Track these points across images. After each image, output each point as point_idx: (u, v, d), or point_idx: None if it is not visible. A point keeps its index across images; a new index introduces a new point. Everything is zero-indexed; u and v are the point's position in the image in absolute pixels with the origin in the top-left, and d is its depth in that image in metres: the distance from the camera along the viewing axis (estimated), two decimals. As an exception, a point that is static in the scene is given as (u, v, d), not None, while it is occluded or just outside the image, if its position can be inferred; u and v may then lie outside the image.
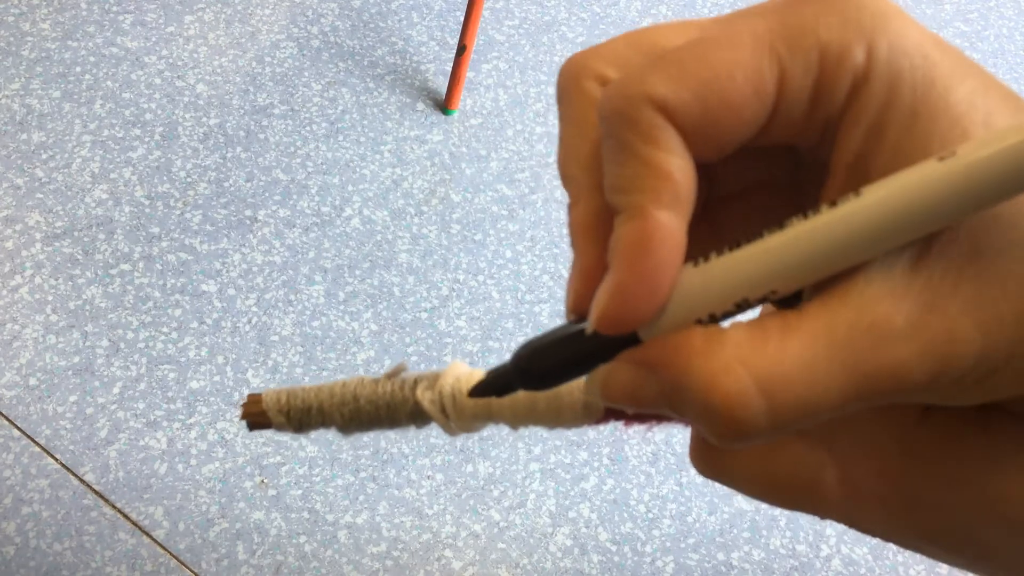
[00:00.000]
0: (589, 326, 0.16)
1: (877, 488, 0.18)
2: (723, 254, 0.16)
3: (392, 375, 0.25)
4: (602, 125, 0.16)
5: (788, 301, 0.16)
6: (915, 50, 0.15)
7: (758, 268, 0.15)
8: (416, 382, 0.24)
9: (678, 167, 0.15)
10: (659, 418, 0.22)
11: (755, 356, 0.15)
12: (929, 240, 0.15)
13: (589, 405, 0.23)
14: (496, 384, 0.20)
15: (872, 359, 0.14)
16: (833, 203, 0.15)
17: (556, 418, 0.23)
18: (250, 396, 0.25)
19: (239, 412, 0.26)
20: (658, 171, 0.15)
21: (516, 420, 0.23)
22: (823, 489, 0.19)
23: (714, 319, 0.16)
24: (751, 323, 0.15)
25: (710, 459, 0.21)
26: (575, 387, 0.22)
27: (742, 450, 0.20)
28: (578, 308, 0.17)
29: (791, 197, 0.19)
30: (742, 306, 0.16)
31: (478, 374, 0.23)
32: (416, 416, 0.24)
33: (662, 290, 0.15)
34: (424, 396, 0.24)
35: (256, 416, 0.25)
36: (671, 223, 0.15)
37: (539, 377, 0.18)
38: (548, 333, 0.18)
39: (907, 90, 0.15)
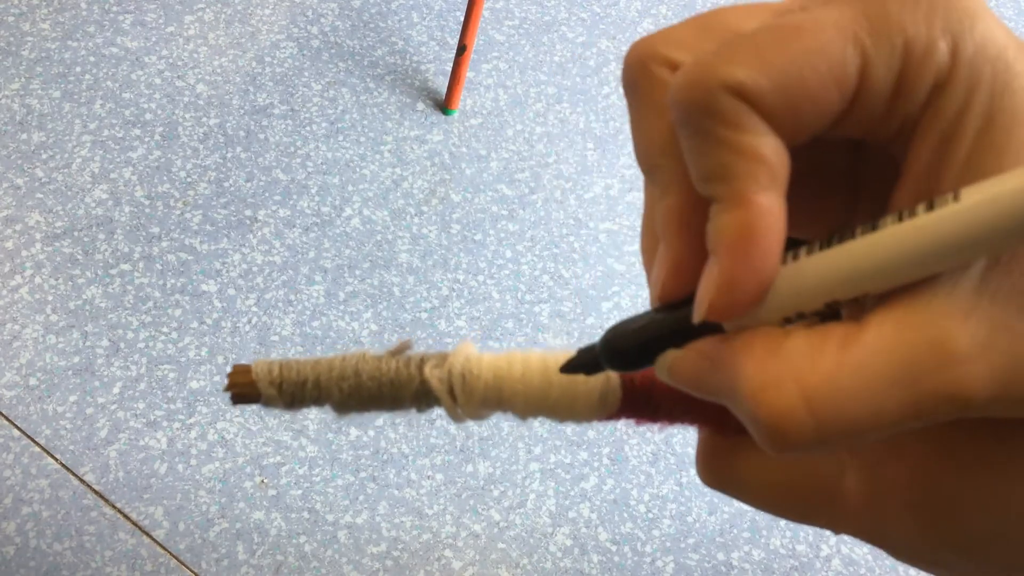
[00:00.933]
0: (697, 315, 0.16)
1: (907, 494, 0.17)
2: (814, 252, 0.16)
3: (397, 352, 0.23)
4: (676, 114, 0.16)
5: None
6: (999, 55, 0.15)
7: (851, 269, 0.15)
8: (423, 360, 0.22)
9: (771, 147, 0.15)
10: (670, 419, 0.22)
11: (810, 371, 0.14)
12: (997, 256, 0.15)
13: (605, 398, 0.22)
14: (585, 362, 0.20)
15: (934, 379, 0.14)
16: (930, 205, 0.14)
17: (569, 410, 0.22)
18: (237, 367, 0.22)
19: (225, 384, 0.23)
20: (751, 155, 0.15)
21: (527, 409, 0.22)
22: (842, 498, 0.18)
23: (802, 316, 0.16)
24: (813, 331, 0.15)
25: (717, 468, 0.20)
26: (591, 379, 0.22)
27: (752, 459, 0.20)
28: (666, 297, 0.17)
29: (848, 186, 0.19)
30: (832, 306, 0.16)
31: (488, 357, 0.22)
32: (421, 397, 0.22)
33: (769, 278, 0.15)
34: (433, 375, 0.22)
35: (244, 388, 0.22)
36: (773, 206, 0.15)
37: (627, 359, 0.18)
38: (636, 318, 0.18)
39: (985, 96, 0.15)
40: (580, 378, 0.21)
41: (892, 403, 0.14)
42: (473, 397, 0.22)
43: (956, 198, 0.14)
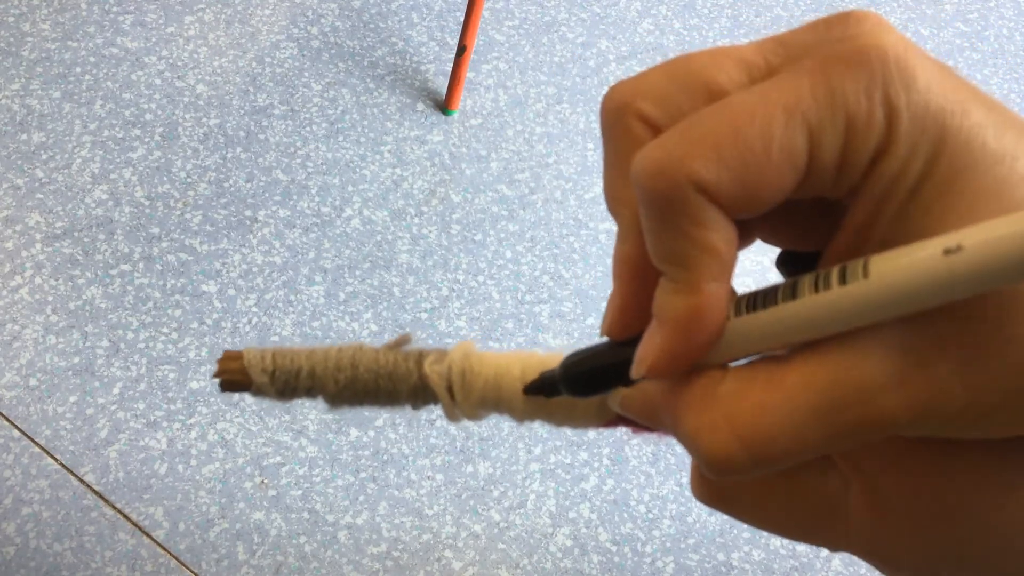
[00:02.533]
0: (636, 371, 0.18)
1: (913, 510, 0.17)
2: (741, 315, 0.17)
3: (395, 346, 0.22)
4: (641, 197, 0.17)
5: None
6: (935, 117, 0.16)
7: (771, 330, 0.17)
8: (422, 355, 0.22)
9: (724, 241, 0.17)
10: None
11: (740, 412, 0.16)
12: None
13: (603, 407, 0.22)
14: (545, 385, 0.21)
15: (853, 411, 0.15)
16: (843, 278, 0.16)
17: (568, 415, 0.22)
18: (228, 352, 0.22)
19: (215, 370, 0.21)
20: (707, 248, 0.16)
21: (526, 412, 0.22)
22: (844, 514, 0.18)
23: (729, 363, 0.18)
24: (742, 374, 0.17)
25: (712, 487, 0.21)
26: None
27: (749, 480, 0.20)
28: (611, 332, 0.20)
29: (831, 207, 0.20)
30: (755, 356, 0.18)
31: (488, 356, 0.22)
32: (418, 393, 0.22)
33: (705, 352, 0.17)
34: (432, 370, 0.22)
35: (234, 375, 0.21)
36: (719, 294, 0.17)
37: (581, 389, 0.20)
38: (589, 349, 0.20)
39: (919, 162, 0.16)
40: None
41: (815, 434, 0.16)
42: (471, 395, 0.22)
43: (866, 273, 0.15)
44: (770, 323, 0.17)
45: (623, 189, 0.19)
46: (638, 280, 0.19)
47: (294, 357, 0.22)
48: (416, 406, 0.22)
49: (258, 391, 0.22)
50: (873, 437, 0.16)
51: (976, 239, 0.14)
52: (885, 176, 0.16)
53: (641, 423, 0.19)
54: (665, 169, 0.16)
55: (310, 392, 0.22)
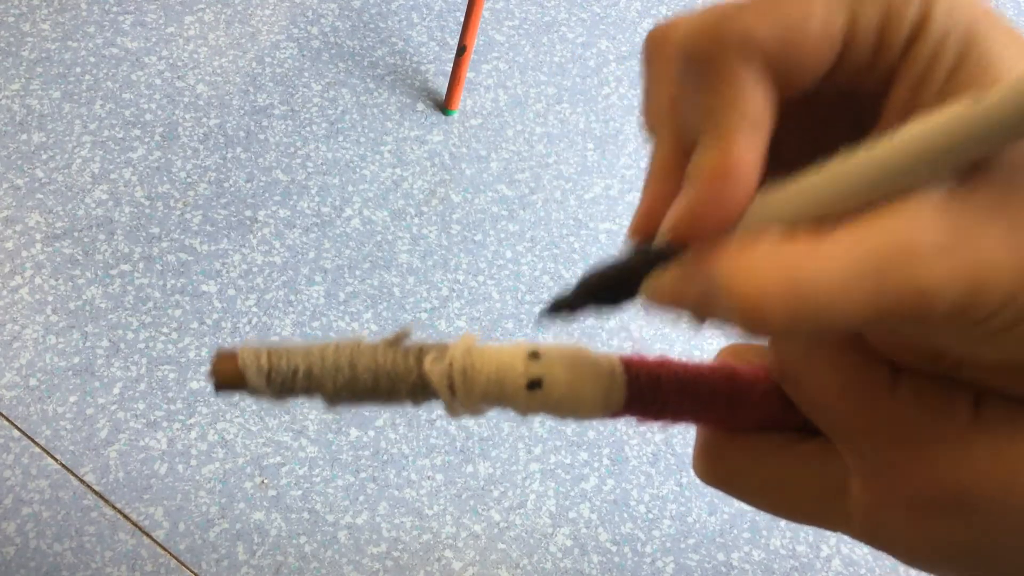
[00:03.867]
0: (659, 237, 0.18)
1: (915, 496, 0.17)
2: (775, 186, 0.17)
3: (394, 342, 0.22)
4: (681, 61, 0.17)
5: None
6: (967, 13, 0.16)
7: (806, 200, 0.16)
8: (422, 351, 0.21)
9: (761, 98, 0.17)
10: (675, 417, 0.22)
11: (783, 252, 0.16)
12: (970, 171, 0.16)
13: (609, 395, 0.21)
14: (564, 304, 0.21)
15: (898, 274, 0.15)
16: (877, 140, 0.16)
17: (573, 407, 0.21)
18: (221, 351, 0.21)
19: (209, 370, 0.22)
20: (742, 101, 0.16)
21: (529, 408, 0.21)
22: (845, 500, 0.18)
23: None
24: (785, 232, 0.16)
25: (716, 465, 0.21)
26: (595, 375, 0.21)
27: (754, 457, 0.20)
28: (640, 230, 0.19)
29: (854, 135, 0.20)
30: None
31: (490, 349, 0.21)
32: (418, 391, 0.21)
33: (735, 211, 0.17)
34: (433, 369, 0.21)
35: (228, 375, 0.21)
36: (753, 151, 0.17)
37: (603, 295, 0.20)
38: (609, 259, 0.20)
39: (954, 44, 0.16)
40: (584, 375, 0.21)
41: (859, 294, 0.15)
42: (473, 393, 0.21)
43: (895, 132, 0.16)
44: (806, 188, 0.16)
45: (659, 103, 0.19)
46: (670, 180, 0.19)
47: (290, 357, 0.21)
48: (417, 403, 0.22)
49: (254, 392, 0.21)
50: (917, 319, 0.15)
51: (1007, 87, 0.14)
52: (921, 58, 0.16)
53: (674, 309, 0.18)
54: (707, 27, 0.16)
55: (308, 392, 0.21)
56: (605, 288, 0.20)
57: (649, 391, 0.21)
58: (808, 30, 0.16)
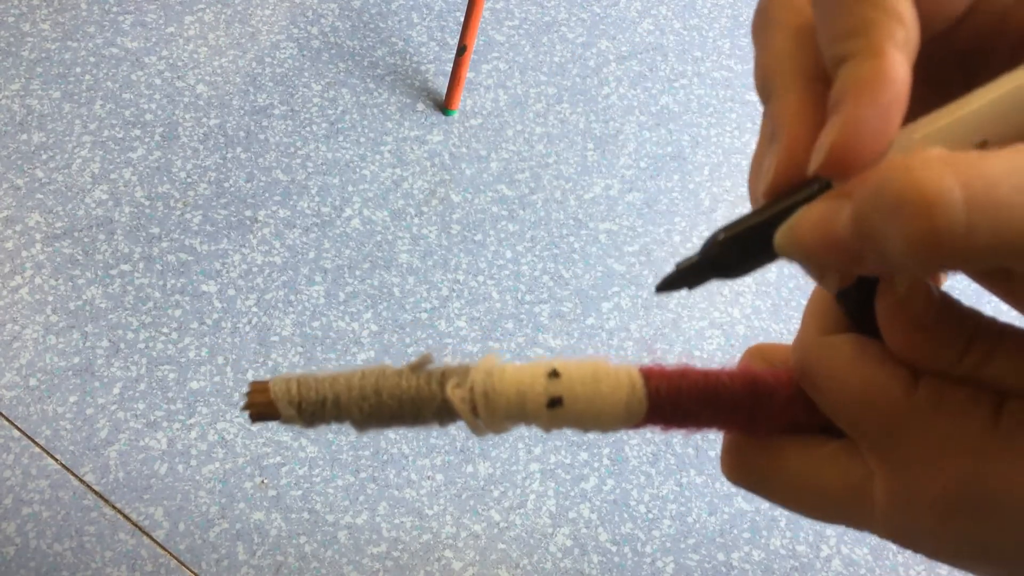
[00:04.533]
0: (814, 163, 0.16)
1: (939, 499, 0.17)
2: (917, 120, 0.16)
3: (417, 367, 0.22)
4: None
5: None
6: None
7: (972, 119, 0.15)
8: (444, 376, 0.22)
9: (909, 11, 0.15)
10: (698, 425, 0.22)
11: (958, 158, 0.14)
12: None
13: (630, 407, 0.21)
14: (687, 277, 0.19)
15: None
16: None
17: (595, 421, 0.21)
18: (254, 384, 0.22)
19: (243, 402, 0.22)
20: (892, 12, 0.15)
21: (552, 424, 0.22)
22: (870, 500, 0.18)
23: None
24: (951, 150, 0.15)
25: (745, 466, 0.20)
26: (615, 389, 0.21)
27: (782, 459, 0.20)
28: (776, 186, 0.17)
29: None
30: None
31: (510, 369, 0.22)
32: (443, 413, 0.22)
33: (893, 130, 0.15)
34: (455, 394, 0.21)
35: (262, 407, 0.22)
36: (905, 64, 0.15)
37: (733, 263, 0.18)
38: (736, 220, 0.18)
39: None
40: (604, 390, 0.21)
41: None
42: (496, 415, 0.21)
43: None
44: (965, 109, 0.15)
45: (782, 51, 0.18)
46: (807, 122, 0.17)
47: (319, 387, 0.22)
48: (442, 424, 0.22)
49: (286, 421, 0.22)
50: None
51: None
52: None
53: (820, 251, 0.16)
54: None
55: (337, 419, 0.22)
56: (739, 249, 0.18)
57: (670, 402, 0.21)
58: None
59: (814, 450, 0.20)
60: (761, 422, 0.21)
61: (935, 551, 0.18)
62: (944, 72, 0.19)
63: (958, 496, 0.17)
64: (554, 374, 0.21)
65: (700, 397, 0.21)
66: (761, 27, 0.19)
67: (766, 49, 0.18)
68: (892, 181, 0.14)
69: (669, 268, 1.05)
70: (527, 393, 0.21)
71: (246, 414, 0.23)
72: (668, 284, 0.20)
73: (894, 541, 0.19)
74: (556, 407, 0.21)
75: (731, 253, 0.18)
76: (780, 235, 0.17)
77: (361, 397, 0.22)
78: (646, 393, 0.21)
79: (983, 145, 0.15)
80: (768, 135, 0.18)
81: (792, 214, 0.17)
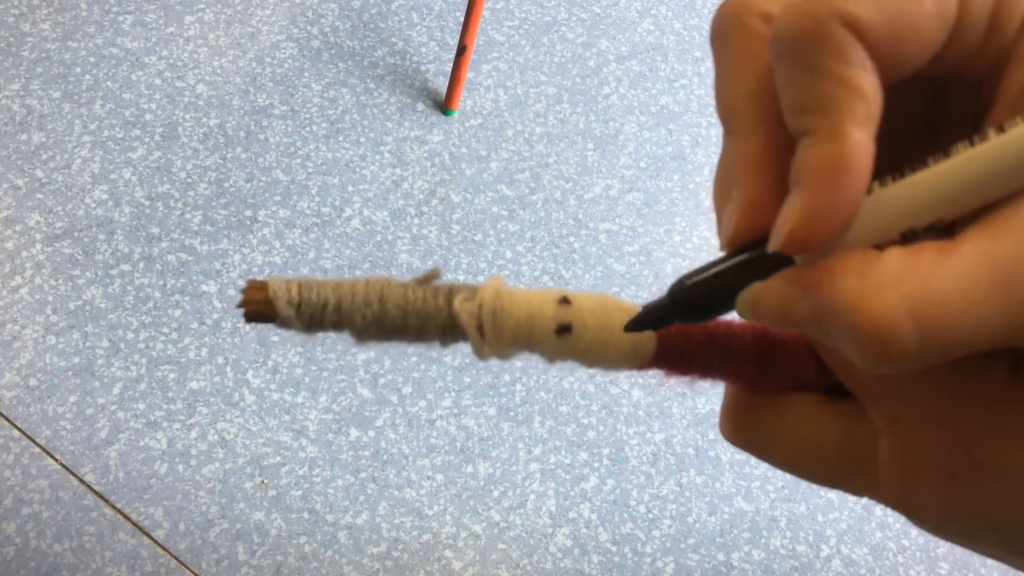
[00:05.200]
0: (774, 243, 0.16)
1: (947, 461, 0.17)
2: (887, 184, 0.16)
3: (424, 281, 0.21)
4: (780, 47, 0.16)
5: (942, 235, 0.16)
6: None
7: (925, 196, 0.15)
8: (452, 292, 0.21)
9: (871, 84, 0.15)
10: (703, 373, 0.21)
11: (909, 277, 0.14)
12: None
13: (637, 347, 0.21)
14: (652, 319, 0.20)
15: None
16: (1001, 128, 0.15)
17: (600, 356, 0.21)
18: (252, 282, 0.21)
19: (239, 300, 0.21)
20: (853, 88, 0.15)
21: (557, 352, 0.21)
22: (873, 464, 0.18)
23: (878, 248, 0.16)
24: (906, 248, 0.15)
25: (745, 425, 0.20)
26: (625, 320, 0.21)
27: (784, 418, 0.20)
28: (737, 240, 0.17)
29: (926, 136, 0.19)
30: (908, 236, 0.16)
31: (520, 293, 0.21)
32: (447, 331, 0.21)
33: (853, 211, 0.15)
34: (463, 308, 0.21)
35: (259, 305, 0.20)
36: (866, 142, 0.15)
37: (698, 310, 0.18)
38: (702, 267, 0.18)
39: None
40: (614, 323, 0.21)
41: (990, 312, 0.14)
42: (503, 335, 0.21)
43: (1015, 122, 0.14)
44: (924, 185, 0.15)
45: (743, 84, 0.17)
46: (766, 175, 0.17)
47: (320, 290, 0.21)
48: (444, 343, 0.22)
49: (283, 324, 0.21)
50: None
51: None
52: None
53: (777, 325, 0.17)
54: (813, 9, 0.15)
55: (336, 326, 0.21)
56: (700, 300, 0.18)
57: (679, 344, 0.21)
58: (921, 8, 0.15)
59: (819, 409, 0.20)
60: (768, 375, 0.21)
61: (937, 520, 0.18)
62: (942, 103, 0.19)
63: (968, 459, 0.17)
64: (564, 301, 0.21)
65: (709, 343, 0.21)
66: (721, 46, 0.18)
67: (725, 78, 0.18)
68: (845, 311, 0.15)
69: (669, 268, 1.05)
70: (536, 317, 0.21)
71: (241, 312, 0.21)
72: (635, 324, 0.20)
73: (896, 508, 0.18)
74: (565, 334, 0.21)
75: (696, 300, 0.18)
76: (741, 304, 0.17)
77: (364, 303, 0.21)
78: (655, 332, 0.21)
79: (909, 234, 0.15)
80: (727, 171, 0.18)
81: (753, 267, 0.17)
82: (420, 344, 0.22)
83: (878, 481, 0.18)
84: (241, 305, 0.21)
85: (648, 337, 0.21)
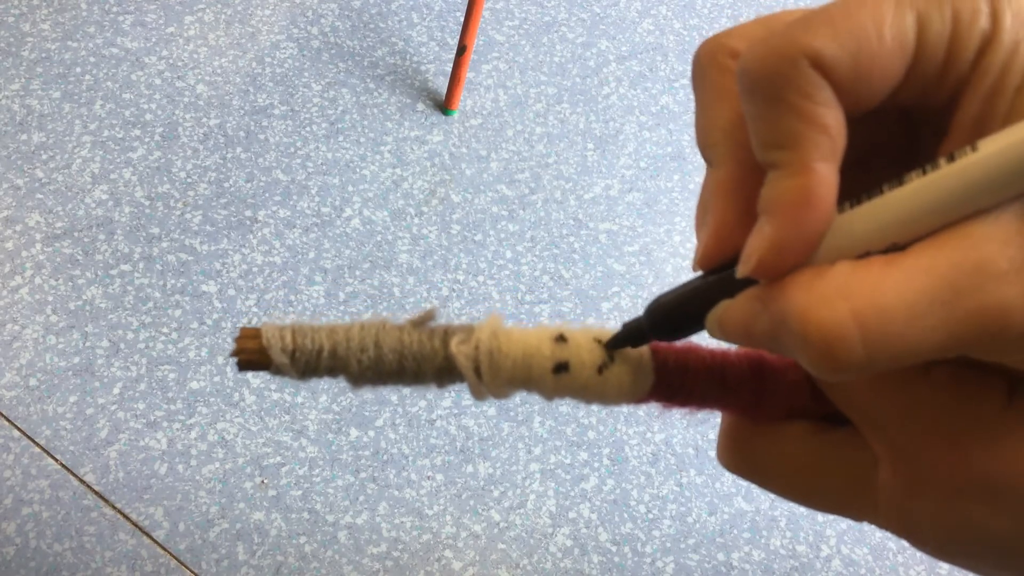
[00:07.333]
0: (742, 270, 0.17)
1: (947, 485, 0.17)
2: (845, 210, 0.16)
3: (419, 322, 0.21)
4: (747, 84, 0.16)
5: None
6: None
7: (879, 221, 0.16)
8: (448, 333, 0.21)
9: (835, 120, 0.16)
10: (701, 404, 0.21)
11: (856, 287, 0.15)
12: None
13: (636, 380, 0.21)
14: (631, 337, 0.20)
15: (974, 298, 0.14)
16: (951, 157, 0.15)
17: (599, 393, 0.21)
18: (245, 330, 0.20)
19: (232, 348, 0.20)
20: (818, 125, 0.16)
21: (555, 391, 0.21)
22: (873, 489, 0.18)
23: None
24: (857, 260, 0.16)
25: (742, 453, 0.20)
26: (622, 360, 0.21)
27: (782, 445, 0.20)
28: (707, 262, 0.19)
29: (894, 162, 0.19)
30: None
31: (516, 331, 0.21)
32: (444, 373, 0.21)
33: (816, 242, 0.16)
34: (459, 350, 0.20)
35: (252, 354, 0.20)
36: (830, 176, 0.16)
37: (672, 328, 0.19)
38: (676, 288, 0.19)
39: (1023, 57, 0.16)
40: (612, 359, 0.21)
41: (934, 321, 0.15)
42: (500, 376, 0.21)
43: (974, 149, 0.15)
44: (878, 212, 0.16)
45: (718, 120, 0.18)
46: (734, 201, 0.18)
47: (315, 336, 0.20)
48: (442, 385, 0.21)
49: (277, 371, 0.21)
50: (994, 342, 0.15)
51: None
52: (992, 69, 0.16)
53: (742, 342, 0.18)
54: (778, 47, 0.16)
55: (332, 372, 0.21)
56: (673, 320, 0.19)
57: (677, 377, 0.21)
58: (881, 44, 0.15)
59: (817, 437, 0.20)
60: (765, 404, 0.21)
61: (939, 543, 0.18)
62: (888, 128, 0.19)
63: (968, 482, 0.17)
64: (561, 339, 0.21)
65: (706, 374, 0.21)
66: (699, 83, 0.19)
67: (702, 113, 0.19)
68: (796, 322, 0.15)
69: (669, 268, 1.05)
70: (533, 356, 0.21)
71: (234, 362, 0.21)
72: (615, 342, 0.21)
73: (897, 532, 0.19)
74: (562, 372, 0.21)
75: (670, 318, 0.19)
76: (710, 323, 0.18)
77: (360, 349, 0.20)
78: (653, 366, 0.21)
79: (864, 256, 0.16)
80: (705, 203, 0.19)
81: (723, 287, 0.18)
82: (417, 386, 0.21)
83: (878, 506, 0.19)
84: (234, 354, 0.20)
85: (646, 371, 0.21)
